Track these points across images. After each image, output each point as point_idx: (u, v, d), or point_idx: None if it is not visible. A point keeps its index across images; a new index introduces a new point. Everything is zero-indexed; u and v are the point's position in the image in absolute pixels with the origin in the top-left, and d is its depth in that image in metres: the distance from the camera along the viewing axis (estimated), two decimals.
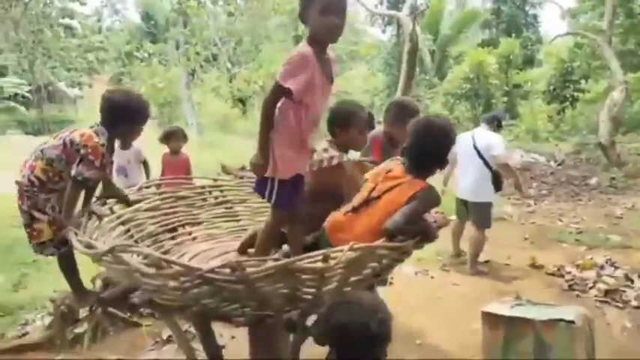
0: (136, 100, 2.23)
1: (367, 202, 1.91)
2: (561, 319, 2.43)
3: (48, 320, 3.69)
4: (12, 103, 26.35)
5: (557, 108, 16.25)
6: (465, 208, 5.03)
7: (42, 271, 4.90)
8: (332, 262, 1.54)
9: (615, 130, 11.22)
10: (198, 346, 2.59)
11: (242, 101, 24.59)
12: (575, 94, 16.09)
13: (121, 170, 4.41)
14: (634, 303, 3.99)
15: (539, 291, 4.34)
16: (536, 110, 16.65)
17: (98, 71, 31.24)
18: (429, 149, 1.90)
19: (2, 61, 27.05)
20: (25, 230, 2.19)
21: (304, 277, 1.58)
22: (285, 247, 2.19)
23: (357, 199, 1.95)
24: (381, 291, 2.76)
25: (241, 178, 3.06)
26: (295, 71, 1.80)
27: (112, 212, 2.35)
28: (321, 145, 2.29)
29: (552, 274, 4.79)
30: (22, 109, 26.80)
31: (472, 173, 4.84)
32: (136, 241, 2.28)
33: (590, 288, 4.31)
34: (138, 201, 2.53)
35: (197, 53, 17.40)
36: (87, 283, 3.75)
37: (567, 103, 16.18)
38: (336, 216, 1.98)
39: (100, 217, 2.23)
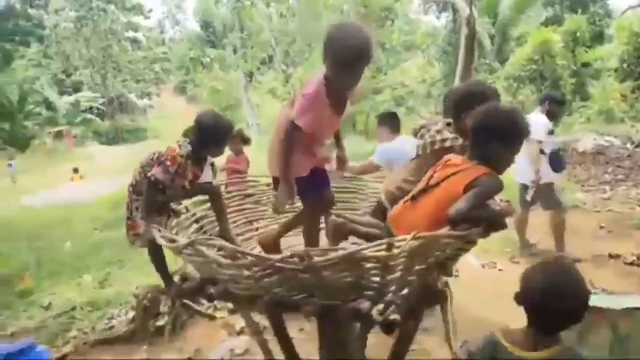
0: (222, 123, 2.38)
1: (425, 190, 1.90)
2: (638, 308, 2.31)
3: (132, 314, 3.98)
4: (88, 116, 28.33)
5: (631, 86, 15.08)
6: (526, 193, 4.97)
7: (125, 269, 5.30)
8: (395, 251, 1.57)
9: None
10: (269, 337, 2.73)
11: None
12: None
13: None
14: None
15: (616, 281, 4.12)
16: (609, 89, 15.56)
17: (164, 81, 32.92)
18: (493, 134, 1.81)
19: (77, 77, 29.22)
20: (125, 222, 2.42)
21: (368, 265, 1.62)
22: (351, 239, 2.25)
23: (416, 189, 1.96)
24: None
25: None
26: (307, 110, 2.02)
27: (187, 210, 2.52)
28: (436, 126, 2.25)
29: (631, 264, 4.52)
30: (98, 120, 28.77)
31: (521, 155, 4.72)
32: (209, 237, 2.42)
33: None
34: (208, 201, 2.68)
35: (254, 56, 17.81)
36: None
37: None
38: (397, 206, 2.01)
39: (177, 214, 2.41)
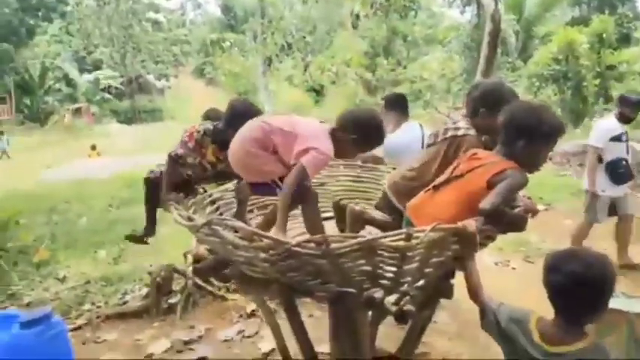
0: (253, 111, 2.38)
1: (448, 181, 1.89)
2: None
3: (145, 291, 4.05)
4: (107, 95, 28.61)
5: None
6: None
7: (138, 246, 5.35)
8: (414, 242, 1.57)
9: None
10: (279, 321, 2.75)
11: (316, 90, 24.83)
12: None
13: None
14: None
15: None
16: (634, 93, 15.24)
17: (183, 63, 33.02)
18: (522, 132, 1.79)
19: (97, 55, 29.47)
20: None
21: (386, 254, 1.62)
22: (369, 228, 2.26)
23: (439, 179, 1.95)
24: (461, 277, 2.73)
25: None
26: (322, 167, 2.15)
27: (205, 191, 2.54)
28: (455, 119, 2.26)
29: None
30: (115, 99, 29.05)
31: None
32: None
33: None
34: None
35: (274, 42, 17.77)
36: (179, 259, 4.09)
37: None
38: (418, 195, 2.00)
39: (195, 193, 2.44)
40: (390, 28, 20.86)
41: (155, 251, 5.06)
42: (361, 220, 2.26)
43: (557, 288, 1.47)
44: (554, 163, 10.41)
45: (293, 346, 2.50)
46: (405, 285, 1.76)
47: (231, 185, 2.72)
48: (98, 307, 3.96)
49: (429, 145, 2.28)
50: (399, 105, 3.75)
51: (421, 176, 2.20)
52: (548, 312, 1.56)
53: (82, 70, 29.04)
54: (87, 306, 3.96)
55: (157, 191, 2.45)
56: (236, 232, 1.77)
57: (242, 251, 1.74)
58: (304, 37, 21.61)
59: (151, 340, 3.43)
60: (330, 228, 2.45)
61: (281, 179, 2.07)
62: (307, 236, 1.67)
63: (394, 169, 2.84)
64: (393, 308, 1.77)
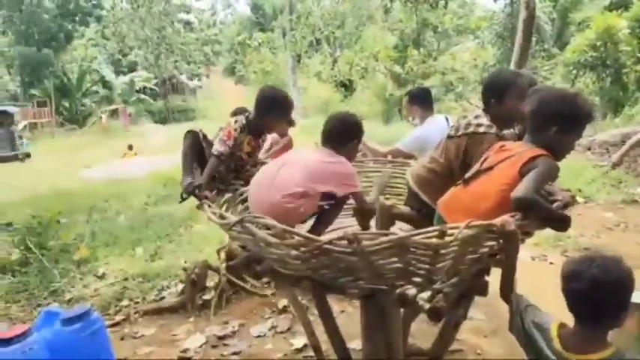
0: (280, 95, 2.52)
1: (478, 174, 1.85)
2: None
3: (180, 287, 4.13)
4: (142, 96, 29.37)
5: None
6: None
7: (174, 243, 5.49)
8: (447, 239, 1.53)
9: None
10: (311, 317, 2.75)
11: (344, 85, 24.71)
12: None
13: None
14: None
15: None
16: None
17: (214, 63, 33.51)
18: (550, 119, 1.75)
19: (132, 57, 30.25)
20: None
21: (419, 252, 1.59)
22: (399, 224, 2.23)
23: (468, 173, 1.91)
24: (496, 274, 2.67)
25: None
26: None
27: (236, 189, 2.56)
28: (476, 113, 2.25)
29: None
30: (150, 100, 29.78)
31: None
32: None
33: None
34: None
35: (303, 37, 17.78)
36: (212, 256, 4.15)
37: None
38: (448, 192, 1.97)
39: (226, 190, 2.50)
40: (420, 20, 20.55)
41: (191, 248, 5.17)
42: (391, 215, 2.24)
43: (577, 295, 1.41)
44: (593, 153, 10.04)
45: (325, 342, 2.50)
46: (439, 282, 1.72)
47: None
48: (136, 303, 4.06)
49: (449, 137, 2.26)
50: (423, 99, 3.73)
51: (444, 171, 2.22)
52: None
53: (117, 73, 29.91)
54: (125, 302, 4.07)
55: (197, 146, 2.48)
56: (268, 229, 1.78)
57: (274, 248, 1.75)
58: (333, 33, 21.52)
59: (186, 335, 3.50)
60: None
61: None
62: (339, 233, 1.66)
63: None
64: (426, 305, 1.74)
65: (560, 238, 4.96)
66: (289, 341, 3.33)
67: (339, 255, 1.61)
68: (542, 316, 1.54)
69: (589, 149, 10.40)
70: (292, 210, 2.09)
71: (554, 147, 1.75)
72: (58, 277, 4.46)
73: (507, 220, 1.58)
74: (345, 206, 2.45)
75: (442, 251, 1.58)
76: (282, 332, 3.48)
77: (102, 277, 4.60)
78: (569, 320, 1.49)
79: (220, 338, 3.43)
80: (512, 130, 2.31)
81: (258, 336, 3.45)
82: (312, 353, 2.78)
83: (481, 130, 2.11)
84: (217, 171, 2.43)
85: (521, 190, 1.64)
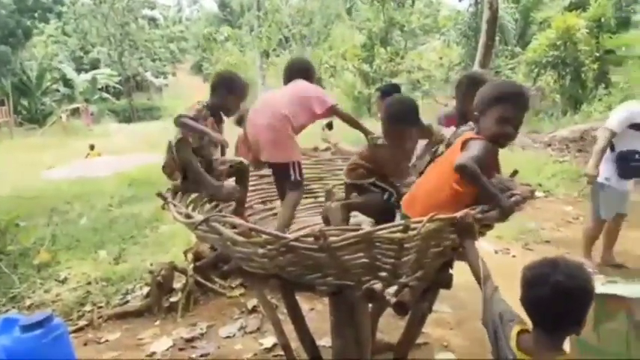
0: (234, 75, 2.65)
1: (431, 165, 2.01)
2: None
3: (146, 290, 4.04)
4: (105, 94, 28.56)
5: None
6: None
7: (139, 244, 5.37)
8: (411, 233, 1.56)
9: None
10: (280, 316, 2.75)
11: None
12: None
13: None
14: None
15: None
16: (633, 78, 15.16)
17: (180, 60, 32.91)
18: (482, 108, 1.81)
19: (95, 54, 29.41)
20: None
21: (384, 246, 1.61)
22: (359, 217, 2.26)
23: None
24: (459, 267, 2.73)
25: (316, 157, 3.18)
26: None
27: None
28: None
29: None
30: (113, 99, 29.01)
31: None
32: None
33: None
34: None
35: (269, 37, 17.68)
36: (179, 257, 4.08)
37: None
38: (409, 191, 2.05)
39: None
40: (387, 19, 20.75)
41: (157, 250, 5.07)
42: (345, 208, 2.28)
43: (539, 302, 1.38)
44: (553, 149, 10.38)
45: (295, 340, 2.50)
46: (404, 276, 1.75)
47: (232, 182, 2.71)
48: (99, 307, 3.96)
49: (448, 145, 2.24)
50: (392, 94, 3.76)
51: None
52: None
53: (79, 70, 28.97)
54: (88, 307, 3.96)
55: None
56: (234, 228, 1.76)
57: (241, 247, 1.74)
58: (301, 31, 21.51)
59: (153, 339, 3.43)
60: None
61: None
62: (305, 231, 1.66)
63: None
64: (393, 300, 1.77)
65: (522, 231, 5.11)
66: (259, 341, 3.31)
67: (306, 252, 1.62)
68: (510, 314, 1.51)
69: (549, 145, 10.75)
70: (283, 129, 2.39)
71: (483, 132, 1.80)
72: (17, 283, 4.31)
73: (467, 212, 1.62)
74: (310, 205, 2.47)
75: (406, 245, 1.61)
76: (251, 332, 3.46)
77: (64, 281, 4.46)
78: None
79: (188, 341, 3.38)
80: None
81: (227, 337, 3.42)
82: (282, 352, 2.77)
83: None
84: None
85: (459, 159, 1.72)
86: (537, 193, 4.87)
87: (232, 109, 2.60)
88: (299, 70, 2.69)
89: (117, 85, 29.09)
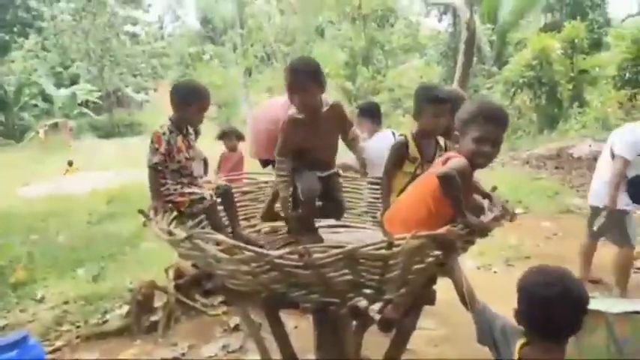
0: (190, 85, 2.55)
1: (411, 184, 2.03)
2: (636, 312, 2.32)
3: (125, 309, 3.96)
4: (85, 109, 28.18)
5: (628, 94, 15.19)
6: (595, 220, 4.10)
7: (118, 263, 5.27)
8: (395, 250, 1.57)
9: None
10: (264, 334, 2.72)
11: None
12: None
13: None
14: None
15: (612, 286, 4.13)
16: (606, 97, 15.65)
17: (162, 76, 32.76)
18: (459, 128, 1.84)
19: (74, 69, 29.07)
20: None
21: (368, 263, 1.62)
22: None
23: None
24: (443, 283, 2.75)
25: None
26: None
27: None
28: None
29: None
30: (93, 114, 28.62)
31: (604, 174, 4.01)
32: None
33: None
34: None
35: (255, 56, 17.79)
36: (161, 276, 4.02)
37: None
38: (390, 208, 2.09)
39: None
40: (368, 38, 21.09)
41: (137, 268, 4.98)
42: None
43: (545, 313, 1.39)
44: (531, 166, 10.61)
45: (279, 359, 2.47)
46: (389, 293, 1.76)
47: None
48: (78, 327, 3.86)
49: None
50: (372, 113, 3.86)
51: None
52: None
53: (59, 85, 28.55)
54: (66, 327, 3.86)
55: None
56: (218, 244, 1.75)
57: (224, 264, 1.73)
58: (281, 48, 21.67)
59: None
60: None
61: None
62: (289, 248, 1.66)
63: (375, 178, 2.86)
64: (377, 316, 1.77)
65: (503, 248, 5.18)
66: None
67: (290, 269, 1.61)
68: (511, 329, 1.53)
69: (527, 163, 10.98)
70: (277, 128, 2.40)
71: (461, 152, 1.80)
72: None
73: (450, 230, 1.65)
74: None
75: (391, 262, 1.62)
76: (233, 351, 3.41)
77: (41, 300, 4.35)
78: None
79: None
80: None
81: (210, 357, 3.37)
82: None
83: None
84: (162, 182, 2.35)
85: (442, 169, 1.75)
86: (516, 210, 4.94)
87: (195, 120, 2.50)
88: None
89: (97, 101, 28.73)
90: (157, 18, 39.05)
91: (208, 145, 5.07)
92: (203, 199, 2.34)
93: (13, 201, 9.44)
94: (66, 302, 4.23)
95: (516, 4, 19.05)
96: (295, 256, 1.56)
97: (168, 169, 2.37)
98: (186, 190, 2.37)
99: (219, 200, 2.47)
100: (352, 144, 2.63)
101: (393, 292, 1.76)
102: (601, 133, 12.77)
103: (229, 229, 2.46)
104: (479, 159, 1.77)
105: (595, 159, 10.17)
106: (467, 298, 1.64)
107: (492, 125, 1.75)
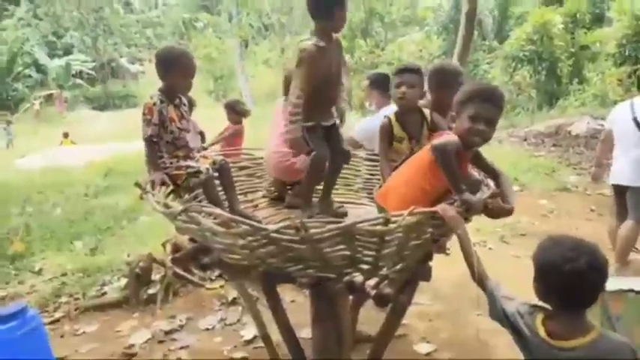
0: (172, 51, 2.44)
1: (406, 161, 2.03)
2: (631, 290, 2.35)
3: (123, 282, 3.99)
4: (79, 80, 27.79)
5: (628, 70, 15.06)
6: (623, 198, 3.97)
7: (116, 236, 5.29)
8: (392, 226, 1.57)
9: None
10: (261, 308, 2.75)
11: None
12: None
13: None
14: None
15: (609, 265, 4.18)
16: (606, 74, 15.54)
17: (156, 46, 32.14)
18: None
19: (68, 39, 28.54)
20: None
21: (365, 239, 1.63)
22: None
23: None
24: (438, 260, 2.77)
25: None
26: None
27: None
28: None
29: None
30: (87, 85, 28.25)
31: (631, 152, 3.84)
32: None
33: None
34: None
35: (251, 25, 17.43)
36: (158, 249, 4.04)
37: None
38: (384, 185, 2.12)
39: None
40: (367, 10, 20.73)
41: (134, 241, 5.00)
42: None
43: (563, 285, 1.39)
44: (529, 144, 10.59)
45: (276, 332, 2.50)
46: (385, 269, 1.77)
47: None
48: (76, 299, 3.89)
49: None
50: (382, 84, 3.76)
51: None
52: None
53: (52, 55, 28.07)
54: (64, 298, 3.89)
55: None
56: (214, 218, 1.75)
57: (221, 238, 1.72)
58: (280, 19, 21.29)
59: (131, 331, 3.40)
60: None
61: None
62: (286, 222, 1.66)
63: (372, 154, 2.85)
64: (373, 292, 1.79)
65: (498, 225, 5.21)
66: (239, 333, 3.31)
67: (287, 244, 1.62)
68: (524, 307, 1.53)
69: (525, 140, 10.96)
70: (287, 165, 2.59)
71: (457, 132, 1.82)
72: None
73: (445, 207, 1.65)
74: None
75: (387, 238, 1.63)
76: (231, 324, 3.45)
77: (39, 272, 4.37)
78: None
79: (167, 333, 3.36)
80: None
81: (207, 329, 3.41)
82: (262, 344, 2.78)
83: None
84: (159, 154, 2.31)
85: (435, 141, 1.79)
86: (514, 187, 4.94)
87: (182, 87, 2.41)
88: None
89: (91, 72, 28.32)
90: None
91: (208, 117, 5.02)
92: (199, 172, 2.31)
93: (10, 173, 9.41)
94: (64, 274, 4.25)
95: None
96: (292, 231, 1.56)
97: (163, 141, 2.33)
98: (182, 163, 2.34)
99: (216, 175, 2.45)
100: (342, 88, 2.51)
101: (389, 267, 1.76)
102: (599, 111, 12.74)
103: (227, 205, 2.45)
104: (473, 137, 1.78)
105: (593, 137, 10.24)
106: (476, 270, 1.64)
107: (487, 104, 1.78)
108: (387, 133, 2.25)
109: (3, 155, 11.68)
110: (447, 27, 19.09)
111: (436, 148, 1.76)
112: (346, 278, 1.80)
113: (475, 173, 2.05)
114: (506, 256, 4.50)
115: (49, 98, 24.54)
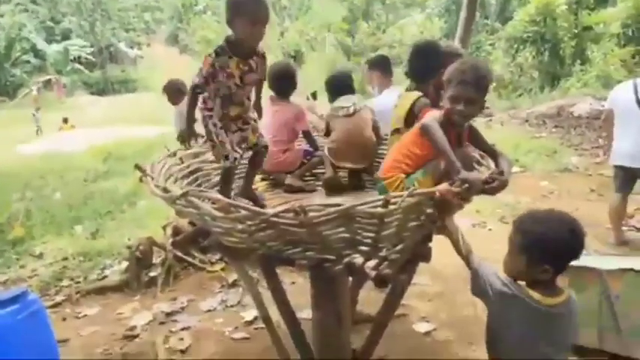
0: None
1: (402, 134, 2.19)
2: (630, 269, 2.35)
3: (124, 265, 4.00)
4: (77, 65, 27.59)
5: (631, 51, 14.89)
6: (628, 179, 4.02)
7: (116, 220, 5.30)
8: (391, 207, 1.56)
9: None
10: (261, 290, 2.75)
11: (292, 57, 24.32)
12: None
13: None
14: None
15: (607, 244, 4.18)
16: (609, 54, 15.37)
17: (154, 31, 31.88)
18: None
19: (66, 24, 28.27)
20: None
21: (364, 221, 1.61)
22: None
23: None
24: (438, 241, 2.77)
25: None
26: None
27: (182, 162, 2.46)
28: None
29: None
30: (86, 70, 28.06)
31: (634, 133, 3.83)
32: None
33: None
34: (204, 153, 2.63)
35: None
36: (158, 233, 4.04)
37: None
38: None
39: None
40: None
41: (134, 225, 5.01)
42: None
43: (559, 248, 1.60)
44: (531, 125, 10.52)
45: (276, 313, 2.51)
46: (384, 250, 1.76)
47: (209, 156, 2.65)
48: (77, 282, 3.91)
49: None
50: (383, 65, 3.76)
51: None
52: None
53: (50, 41, 27.84)
54: (65, 282, 3.91)
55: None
56: (213, 203, 1.74)
57: (220, 222, 1.72)
58: (280, 1, 21.04)
59: (132, 313, 3.42)
60: None
61: None
62: (285, 206, 1.64)
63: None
64: (373, 273, 1.78)
65: (499, 205, 5.20)
66: (240, 314, 3.33)
67: (286, 227, 1.61)
68: (506, 279, 1.72)
69: (527, 121, 10.89)
70: (282, 160, 2.73)
71: (443, 109, 1.93)
72: None
73: (443, 188, 1.64)
74: None
75: (386, 219, 1.61)
76: (232, 306, 3.47)
77: (39, 256, 4.39)
78: None
79: (168, 315, 3.38)
80: None
81: (208, 310, 3.43)
82: (262, 325, 2.79)
83: None
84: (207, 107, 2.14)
85: (422, 121, 1.92)
86: (514, 169, 4.94)
87: (249, 36, 2.07)
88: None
89: (89, 57, 28.11)
90: None
91: None
92: (227, 158, 2.14)
93: (9, 158, 9.40)
94: (65, 258, 4.27)
95: None
96: (291, 214, 1.55)
97: (218, 94, 2.10)
98: (223, 137, 2.14)
99: (249, 154, 2.32)
100: None
101: (389, 249, 1.76)
102: (602, 92, 12.63)
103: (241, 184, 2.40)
104: (453, 116, 1.88)
105: (595, 118, 10.16)
106: (461, 251, 1.83)
107: (465, 85, 1.84)
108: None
109: (3, 141, 11.65)
110: (448, 9, 18.90)
111: (420, 129, 1.88)
112: (346, 260, 1.79)
113: (472, 152, 2.04)
114: (506, 236, 4.47)
115: (47, 84, 24.39)
